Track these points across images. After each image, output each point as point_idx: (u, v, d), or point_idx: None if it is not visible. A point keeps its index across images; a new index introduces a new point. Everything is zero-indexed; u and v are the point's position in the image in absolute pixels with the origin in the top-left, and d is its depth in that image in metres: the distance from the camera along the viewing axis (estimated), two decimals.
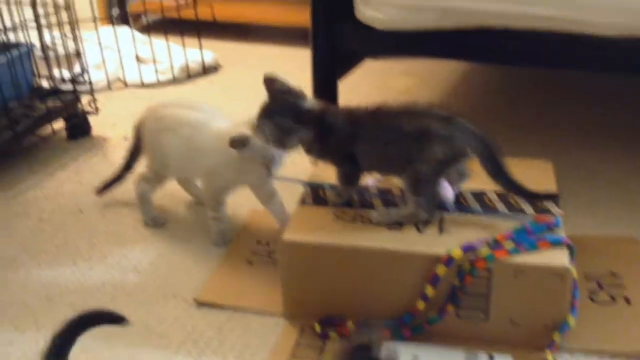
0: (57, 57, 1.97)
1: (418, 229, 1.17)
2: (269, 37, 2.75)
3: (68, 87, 1.93)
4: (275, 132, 1.18)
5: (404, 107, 1.18)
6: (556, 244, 1.10)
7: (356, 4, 1.64)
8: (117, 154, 1.85)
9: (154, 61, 2.37)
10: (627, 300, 1.22)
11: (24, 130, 1.76)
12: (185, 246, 1.45)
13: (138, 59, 2.40)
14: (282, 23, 2.68)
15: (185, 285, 1.32)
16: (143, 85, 2.32)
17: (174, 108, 1.44)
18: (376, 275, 1.14)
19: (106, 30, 2.41)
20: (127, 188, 1.58)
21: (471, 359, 1.08)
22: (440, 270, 1.09)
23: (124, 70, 2.33)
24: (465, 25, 1.54)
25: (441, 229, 1.17)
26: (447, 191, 1.22)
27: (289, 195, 1.40)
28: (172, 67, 2.35)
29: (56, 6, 1.89)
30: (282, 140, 1.19)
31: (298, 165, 1.46)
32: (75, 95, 1.91)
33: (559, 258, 1.08)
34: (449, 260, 1.09)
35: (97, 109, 1.95)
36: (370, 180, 1.31)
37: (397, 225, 1.17)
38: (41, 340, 1.18)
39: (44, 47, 1.98)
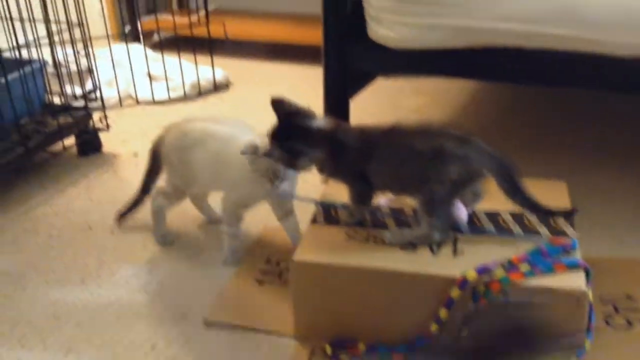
0: (69, 74, 1.98)
1: (432, 250, 1.15)
2: (280, 55, 2.75)
3: (80, 103, 1.93)
4: (285, 156, 1.17)
5: (419, 126, 1.17)
6: (572, 266, 1.08)
7: (368, 23, 1.64)
8: (128, 171, 1.85)
9: (166, 78, 2.38)
10: None
11: (35, 146, 1.76)
12: (195, 265, 1.44)
13: (150, 76, 2.41)
14: (293, 41, 2.69)
15: (194, 305, 1.30)
16: (154, 102, 2.33)
17: (201, 122, 1.43)
18: (389, 297, 1.13)
19: (118, 47, 2.42)
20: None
21: None
22: (455, 292, 1.07)
23: (136, 87, 2.34)
24: (477, 44, 1.54)
25: (455, 250, 1.15)
26: (461, 212, 1.21)
27: (301, 214, 1.39)
28: (183, 84, 2.36)
29: (69, 23, 1.90)
30: (293, 163, 1.18)
31: (309, 183, 1.45)
32: (87, 112, 1.92)
33: (575, 281, 1.07)
34: (463, 283, 1.07)
35: (108, 126, 1.96)
36: (382, 199, 1.30)
37: (410, 246, 1.16)
38: (48, 359, 1.17)
39: (56, 64, 1.99)
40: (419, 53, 1.59)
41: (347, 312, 1.16)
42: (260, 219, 1.53)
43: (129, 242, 1.53)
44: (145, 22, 2.75)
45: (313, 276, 1.16)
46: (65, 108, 1.91)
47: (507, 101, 2.30)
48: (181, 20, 2.46)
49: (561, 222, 1.21)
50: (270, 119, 1.20)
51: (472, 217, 1.23)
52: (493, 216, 1.24)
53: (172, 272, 1.42)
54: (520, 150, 1.80)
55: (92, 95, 1.97)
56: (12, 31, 1.73)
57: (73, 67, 2.00)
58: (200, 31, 2.40)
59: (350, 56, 1.68)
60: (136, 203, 1.55)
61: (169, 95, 2.34)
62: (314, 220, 1.27)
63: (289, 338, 1.20)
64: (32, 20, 1.84)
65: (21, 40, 1.79)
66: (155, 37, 2.78)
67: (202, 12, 2.50)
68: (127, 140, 2.02)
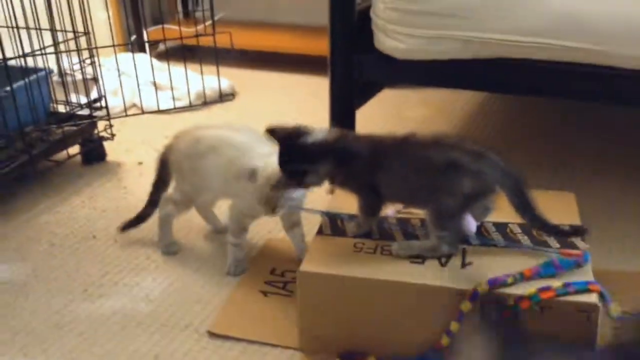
0: (74, 83, 1.97)
1: (441, 263, 1.13)
2: (286, 65, 2.75)
3: (84, 112, 1.93)
4: (290, 181, 1.17)
5: (433, 138, 1.16)
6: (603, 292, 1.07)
7: (376, 34, 1.63)
8: (132, 180, 1.84)
9: (171, 87, 2.37)
10: None
11: (39, 154, 1.75)
12: (199, 276, 1.42)
13: (155, 85, 2.41)
14: (299, 51, 2.69)
15: (198, 316, 1.29)
16: (159, 111, 2.32)
17: (214, 129, 1.42)
18: (398, 310, 1.11)
19: (124, 56, 2.42)
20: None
21: None
22: (465, 305, 1.06)
23: (141, 96, 2.33)
24: (484, 56, 1.54)
25: (464, 263, 1.14)
26: (471, 225, 1.19)
27: (307, 225, 1.38)
28: (188, 93, 2.35)
29: (75, 32, 1.90)
30: (301, 183, 1.18)
31: (314, 194, 1.44)
32: (92, 121, 1.91)
33: (587, 295, 1.05)
34: (474, 295, 1.05)
35: (112, 135, 1.95)
36: (389, 210, 1.28)
37: (418, 258, 1.14)
38: None
39: (62, 72, 1.99)
40: (425, 64, 1.59)
41: (355, 324, 1.14)
42: (265, 230, 1.52)
43: (132, 251, 1.51)
44: (152, 31, 2.75)
45: (320, 287, 1.14)
46: (70, 117, 1.90)
47: (513, 112, 2.29)
48: (187, 30, 2.46)
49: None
50: None
51: (480, 228, 1.22)
52: (501, 227, 1.23)
53: (176, 282, 1.40)
54: (527, 161, 1.79)
55: (97, 104, 1.96)
56: (18, 39, 1.73)
57: (78, 76, 2.00)
58: (206, 41, 2.40)
59: (357, 67, 1.67)
60: (143, 217, 1.52)
61: (174, 105, 2.34)
62: (320, 232, 1.25)
63: (294, 350, 1.18)
64: (39, 28, 1.84)
65: (27, 49, 1.79)
66: (161, 47, 2.79)
67: (208, 22, 2.49)
68: (132, 149, 2.02)
